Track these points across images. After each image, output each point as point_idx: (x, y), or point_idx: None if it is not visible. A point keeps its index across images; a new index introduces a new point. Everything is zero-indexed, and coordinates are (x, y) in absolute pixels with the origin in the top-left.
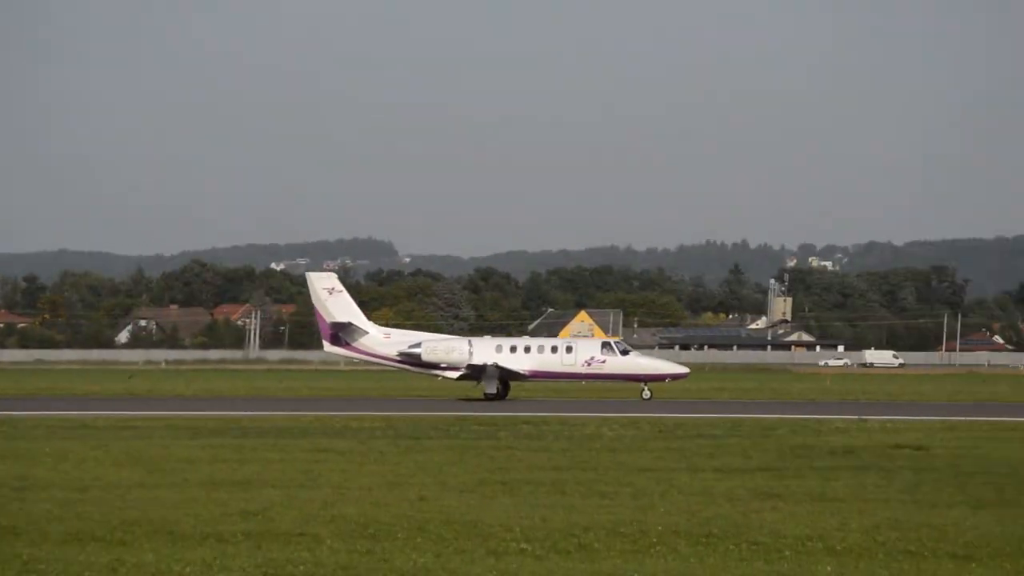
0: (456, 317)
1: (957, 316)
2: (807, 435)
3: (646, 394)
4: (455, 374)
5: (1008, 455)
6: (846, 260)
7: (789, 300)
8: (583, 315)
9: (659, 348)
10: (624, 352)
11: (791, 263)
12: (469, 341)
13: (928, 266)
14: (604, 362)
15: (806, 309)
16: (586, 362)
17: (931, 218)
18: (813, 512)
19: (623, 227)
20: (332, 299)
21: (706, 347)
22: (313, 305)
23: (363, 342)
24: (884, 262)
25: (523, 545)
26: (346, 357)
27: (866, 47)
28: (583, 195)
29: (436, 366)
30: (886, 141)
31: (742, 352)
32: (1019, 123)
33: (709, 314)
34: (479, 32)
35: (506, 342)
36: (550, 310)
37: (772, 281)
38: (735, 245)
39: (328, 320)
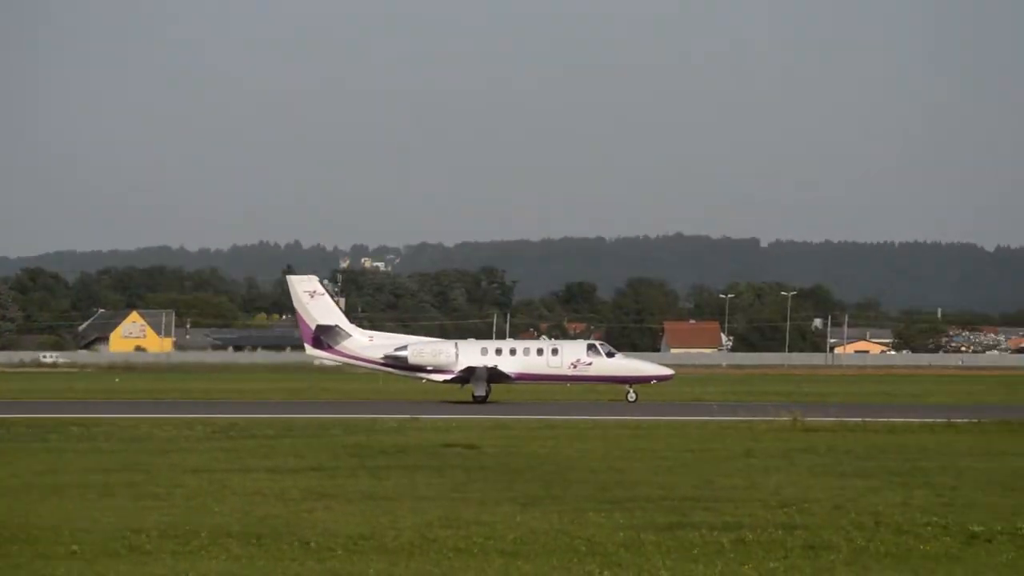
0: (3, 318)
1: (506, 316)
2: (360, 434)
3: (631, 396)
4: (442, 377)
5: (555, 453)
6: (398, 261)
7: (342, 301)
8: (135, 315)
9: (212, 349)
10: (610, 354)
11: (344, 264)
12: (455, 344)
13: (478, 267)
14: (591, 364)
15: (359, 310)
16: (572, 364)
17: (482, 221)
18: (365, 511)
19: (176, 227)
20: (314, 302)
21: (259, 348)
22: (295, 309)
23: (346, 345)
24: (435, 263)
25: (73, 547)
26: (329, 360)
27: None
28: (133, 195)
29: (423, 369)
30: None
31: (296, 353)
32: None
33: (262, 315)
34: None
35: (491, 344)
36: (101, 311)
37: (325, 282)
38: (288, 246)
39: (311, 324)
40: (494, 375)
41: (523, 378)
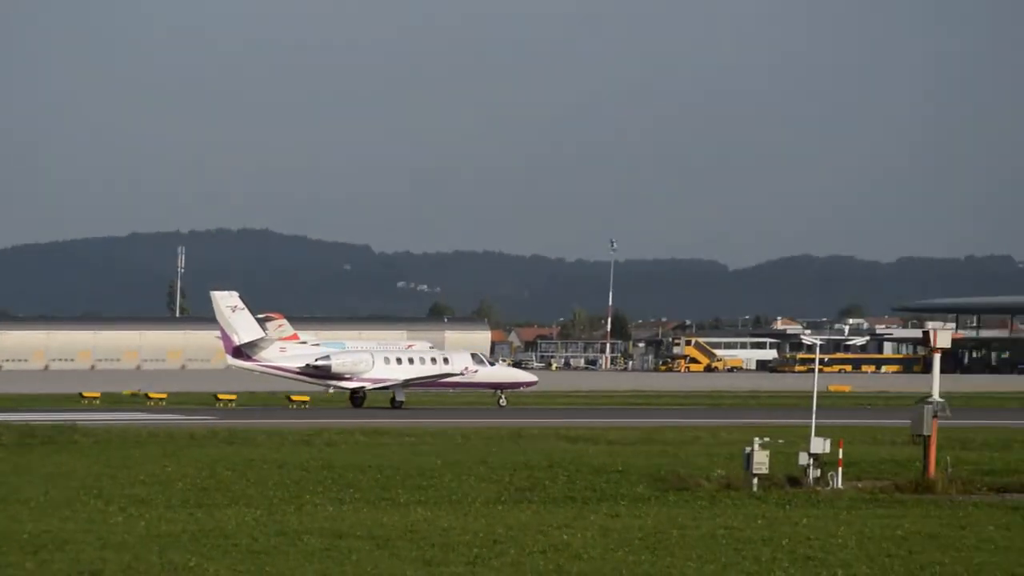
0: None
1: None
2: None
3: (503, 401)
4: (355, 385)
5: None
6: None
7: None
8: None
9: None
10: (491, 363)
11: None
12: (371, 354)
13: None
14: (476, 371)
15: None
16: (463, 371)
17: None
18: None
19: None
20: (235, 316)
21: None
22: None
23: (263, 355)
24: None
25: None
26: (249, 370)
27: None
28: None
29: (342, 377)
30: None
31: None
32: None
33: None
34: None
35: (392, 354)
36: None
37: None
38: None
39: (235, 337)
40: (406, 384)
41: (422, 385)
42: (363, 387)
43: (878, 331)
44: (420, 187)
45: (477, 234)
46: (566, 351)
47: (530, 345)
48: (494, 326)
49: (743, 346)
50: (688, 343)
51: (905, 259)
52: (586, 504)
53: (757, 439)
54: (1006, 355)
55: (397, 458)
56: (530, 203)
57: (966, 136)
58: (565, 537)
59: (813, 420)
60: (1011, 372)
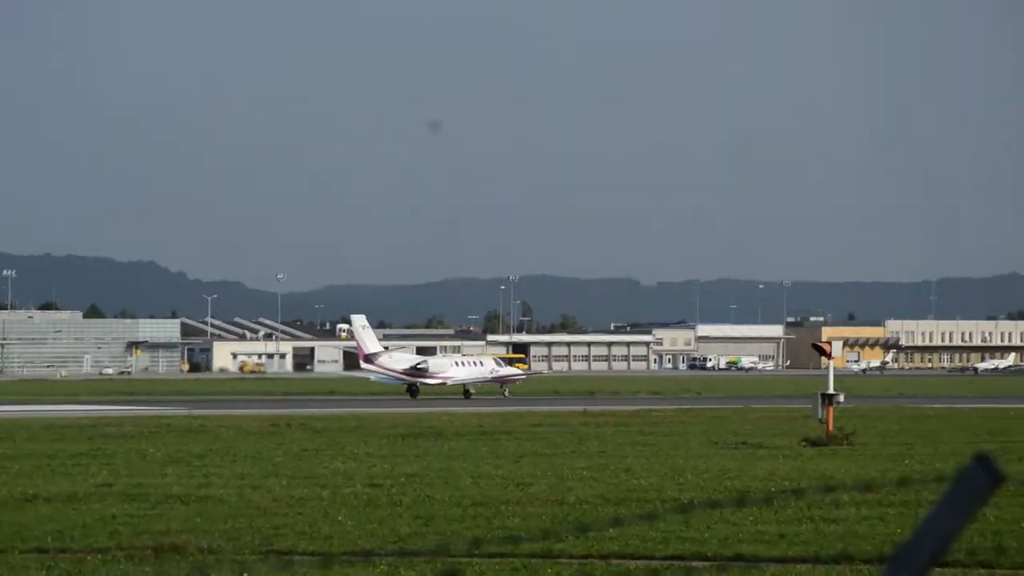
0: None
1: None
2: None
3: (507, 392)
4: (437, 381)
5: None
6: None
7: None
8: None
9: None
10: (506, 364)
11: None
12: (452, 360)
13: None
14: (498, 371)
15: None
16: (491, 371)
17: None
18: None
19: None
20: (365, 333)
21: None
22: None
23: (381, 361)
24: None
25: None
26: (373, 370)
27: None
28: None
29: (432, 376)
30: None
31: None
32: None
33: None
34: None
35: (459, 358)
36: None
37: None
38: None
39: (364, 348)
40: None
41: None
42: (444, 382)
43: None
44: None
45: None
46: None
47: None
48: None
49: None
50: None
51: None
52: None
53: None
54: None
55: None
56: None
57: None
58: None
59: None
60: None
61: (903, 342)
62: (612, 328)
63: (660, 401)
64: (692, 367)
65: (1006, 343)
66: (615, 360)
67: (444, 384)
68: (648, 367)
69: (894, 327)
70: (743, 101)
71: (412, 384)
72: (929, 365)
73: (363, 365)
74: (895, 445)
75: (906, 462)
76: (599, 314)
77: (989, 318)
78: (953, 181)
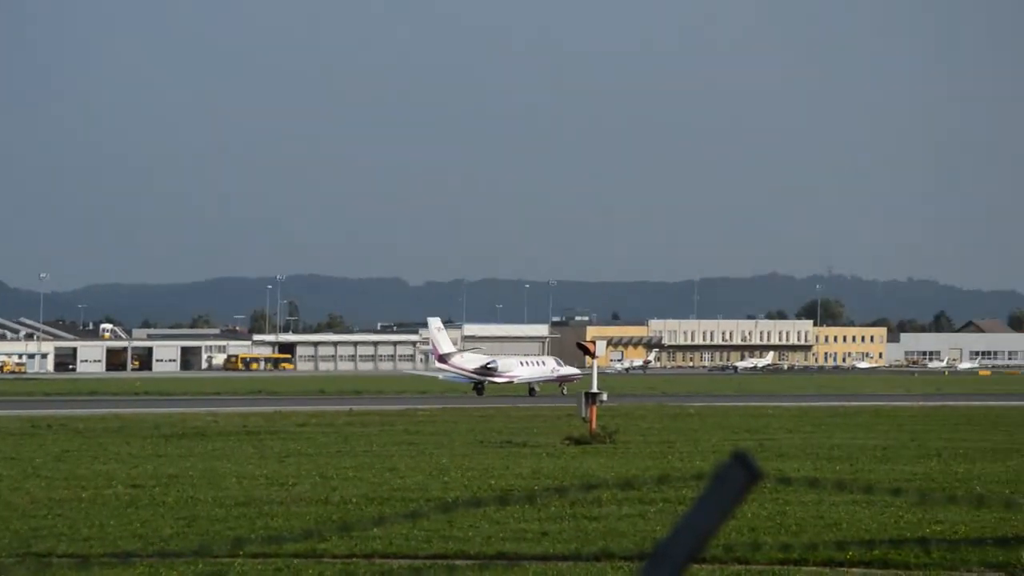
0: None
1: None
2: None
3: (564, 391)
4: (504, 380)
5: None
6: None
7: None
8: None
9: None
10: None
11: None
12: (518, 360)
13: None
14: (559, 371)
15: None
16: (552, 370)
17: None
18: None
19: None
20: (440, 334)
21: None
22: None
23: (454, 360)
24: None
25: None
26: (446, 369)
27: None
28: None
29: (500, 375)
30: None
31: None
32: None
33: None
34: None
35: (524, 359)
36: None
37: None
38: None
39: (439, 348)
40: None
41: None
42: (511, 381)
43: None
44: None
45: None
46: None
47: None
48: None
49: None
50: None
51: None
52: None
53: None
54: None
55: None
56: None
57: None
58: None
59: None
60: None
61: (666, 341)
62: (379, 328)
63: (426, 400)
64: None
65: (765, 342)
66: (382, 360)
67: (511, 383)
68: (414, 367)
69: (657, 326)
70: None
71: (480, 382)
72: (691, 364)
73: (436, 364)
74: (656, 443)
75: (667, 460)
76: (367, 314)
77: (749, 317)
78: (710, 182)
